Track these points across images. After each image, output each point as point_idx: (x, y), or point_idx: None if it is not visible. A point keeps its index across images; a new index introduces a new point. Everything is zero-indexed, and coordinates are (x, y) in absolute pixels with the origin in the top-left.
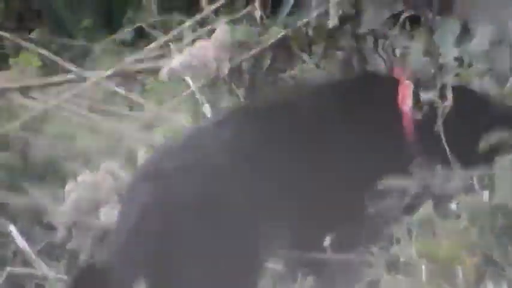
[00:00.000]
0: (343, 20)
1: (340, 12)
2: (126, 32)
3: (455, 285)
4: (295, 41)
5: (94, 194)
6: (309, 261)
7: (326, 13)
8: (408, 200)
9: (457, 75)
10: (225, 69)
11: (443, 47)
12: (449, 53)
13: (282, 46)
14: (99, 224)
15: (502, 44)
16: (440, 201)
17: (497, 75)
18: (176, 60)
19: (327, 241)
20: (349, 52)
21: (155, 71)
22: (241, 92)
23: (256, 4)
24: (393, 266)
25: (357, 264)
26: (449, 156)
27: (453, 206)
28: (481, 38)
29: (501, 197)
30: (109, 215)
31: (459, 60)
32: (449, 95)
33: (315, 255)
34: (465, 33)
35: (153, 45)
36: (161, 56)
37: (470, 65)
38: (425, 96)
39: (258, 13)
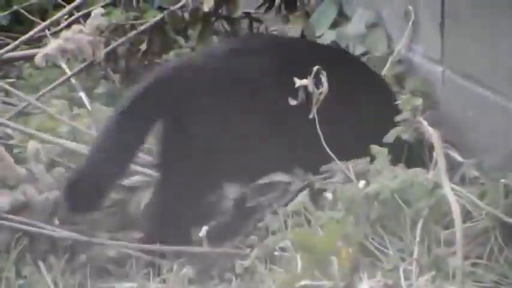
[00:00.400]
0: (218, 3)
1: None
2: (1, 17)
3: (330, 276)
4: (171, 25)
5: None
6: (184, 252)
7: None
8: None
9: None
10: (101, 54)
11: (319, 30)
12: (325, 36)
13: (158, 30)
14: None
15: (378, 28)
16: (316, 190)
17: (373, 59)
18: (51, 45)
19: (203, 232)
20: (223, 36)
21: (32, 57)
22: (117, 77)
23: None
24: (269, 257)
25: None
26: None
27: (329, 195)
28: (358, 21)
29: (376, 185)
30: None
31: (335, 43)
32: (324, 80)
33: (191, 247)
34: (341, 16)
35: (31, 32)
36: (38, 41)
37: (346, 48)
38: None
39: None
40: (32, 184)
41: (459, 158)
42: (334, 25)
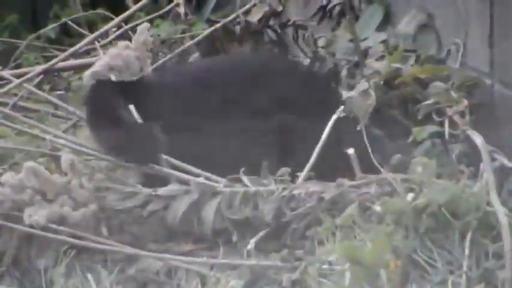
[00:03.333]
0: (269, 15)
1: (267, 8)
2: (50, 29)
3: None
4: (222, 38)
5: (18, 194)
6: (232, 265)
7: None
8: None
9: (382, 57)
10: (148, 69)
11: (366, 32)
12: (371, 37)
13: (208, 43)
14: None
15: (428, 28)
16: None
17: (422, 59)
18: (98, 63)
19: (251, 244)
20: (271, 46)
21: (81, 69)
22: None
23: (181, 1)
24: (317, 270)
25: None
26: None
27: (377, 208)
28: (407, 22)
29: (425, 198)
30: (33, 215)
31: (385, 43)
32: (372, 93)
33: (237, 260)
34: (388, 18)
35: (79, 44)
36: (87, 54)
37: (396, 48)
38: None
39: (181, 9)
40: (69, 196)
41: (509, 164)
42: (382, 26)
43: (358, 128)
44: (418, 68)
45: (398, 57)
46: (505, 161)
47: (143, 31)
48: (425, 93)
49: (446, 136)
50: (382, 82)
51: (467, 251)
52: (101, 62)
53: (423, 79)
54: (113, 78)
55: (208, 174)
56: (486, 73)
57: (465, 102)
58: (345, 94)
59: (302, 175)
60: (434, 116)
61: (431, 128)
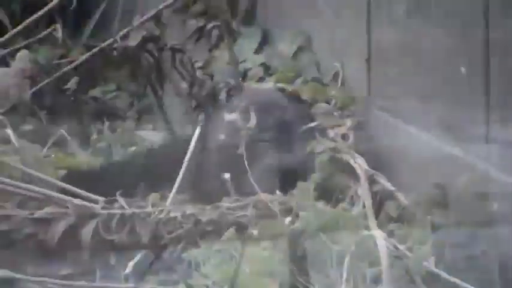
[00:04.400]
0: (147, 39)
1: (144, 32)
2: None
3: None
4: (101, 63)
5: None
6: None
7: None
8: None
9: (261, 79)
10: (26, 95)
11: (244, 54)
12: (250, 59)
13: (87, 68)
14: None
15: (306, 50)
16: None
17: (307, 81)
18: None
19: (129, 268)
20: (147, 70)
21: None
22: (43, 115)
23: (58, 25)
24: None
25: None
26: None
27: (254, 232)
28: (286, 44)
29: (302, 222)
30: None
31: (264, 66)
32: (253, 115)
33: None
34: (266, 40)
35: None
36: None
37: (276, 71)
38: (228, 116)
39: (59, 34)
40: None
41: (390, 187)
42: (260, 48)
43: (239, 152)
44: (302, 87)
45: (283, 77)
46: (386, 184)
47: (22, 59)
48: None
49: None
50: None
51: (345, 275)
52: None
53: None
54: None
55: (87, 194)
56: (364, 96)
57: (348, 123)
58: (226, 117)
59: (170, 197)
60: (318, 137)
61: (328, 143)
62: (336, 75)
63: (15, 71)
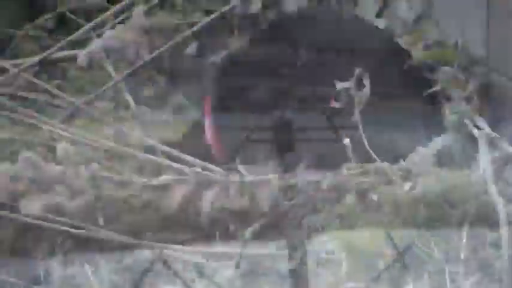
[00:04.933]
0: (266, 6)
1: None
2: (48, 18)
3: (376, 279)
4: (220, 27)
5: (13, 185)
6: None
7: None
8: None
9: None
10: (144, 53)
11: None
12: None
13: (207, 32)
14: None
15: (426, 14)
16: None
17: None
18: (94, 44)
19: (248, 234)
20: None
21: (76, 59)
22: (162, 80)
23: None
24: (313, 259)
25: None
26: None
27: (375, 197)
28: (406, 8)
29: (422, 188)
30: (29, 206)
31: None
32: (367, 82)
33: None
34: (387, 4)
35: (76, 34)
36: (83, 44)
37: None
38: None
39: None
40: (65, 186)
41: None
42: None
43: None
44: (427, 52)
45: (406, 41)
46: (508, 148)
47: (139, 15)
48: (434, 77)
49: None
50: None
51: (464, 241)
52: (97, 43)
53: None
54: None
55: (204, 164)
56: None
57: (471, 85)
58: (339, 84)
59: (299, 165)
60: (443, 101)
61: (462, 107)
62: (456, 40)
63: (133, 26)
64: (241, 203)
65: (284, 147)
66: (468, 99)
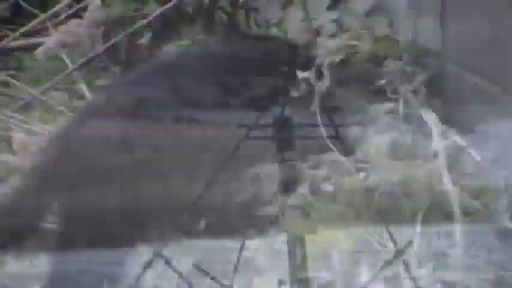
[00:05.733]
0: None
1: None
2: (2, 8)
3: (331, 268)
4: (175, 18)
5: None
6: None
7: None
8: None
9: (333, 36)
10: (99, 47)
11: (317, 10)
12: (323, 16)
13: (161, 23)
14: None
15: (379, 8)
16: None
17: (377, 38)
18: (51, 39)
19: (202, 225)
20: (223, 27)
21: (32, 49)
22: (117, 70)
23: None
24: (269, 250)
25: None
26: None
27: (329, 187)
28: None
29: (376, 178)
30: None
31: (337, 22)
32: (326, 73)
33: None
34: None
35: (31, 24)
36: (38, 33)
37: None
38: (301, 74)
39: None
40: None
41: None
42: (333, 5)
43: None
44: (376, 45)
45: (355, 35)
46: (458, 140)
47: (94, 8)
48: (380, 71)
49: (401, 114)
50: (337, 61)
51: (418, 230)
52: (53, 38)
53: (378, 57)
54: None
55: None
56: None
57: (419, 78)
58: (300, 74)
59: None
60: (389, 95)
61: (388, 106)
62: (408, 32)
63: (88, 20)
64: None
65: None
66: (415, 92)
